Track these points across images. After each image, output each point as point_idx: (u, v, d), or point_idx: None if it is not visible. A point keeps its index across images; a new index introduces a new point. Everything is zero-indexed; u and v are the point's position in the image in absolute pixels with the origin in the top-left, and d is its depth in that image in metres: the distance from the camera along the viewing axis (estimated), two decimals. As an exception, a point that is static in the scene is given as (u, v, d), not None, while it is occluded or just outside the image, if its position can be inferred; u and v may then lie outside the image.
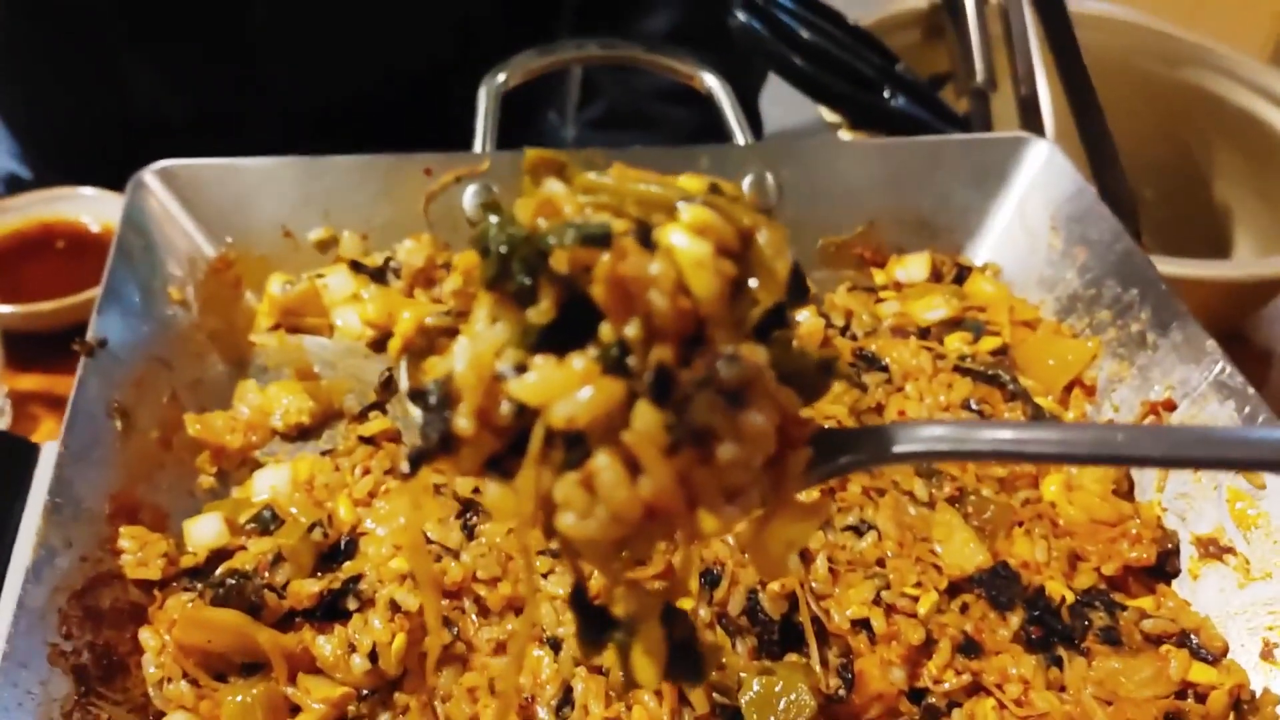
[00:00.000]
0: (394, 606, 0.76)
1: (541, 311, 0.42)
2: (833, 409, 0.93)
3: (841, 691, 0.73)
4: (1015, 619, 0.79)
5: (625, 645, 0.46)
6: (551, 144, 1.62)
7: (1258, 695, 0.76)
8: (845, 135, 1.30)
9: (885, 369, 1.00)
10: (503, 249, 0.43)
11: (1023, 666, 0.76)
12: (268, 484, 0.89)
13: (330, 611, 0.78)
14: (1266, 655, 0.78)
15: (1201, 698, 0.76)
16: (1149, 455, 0.49)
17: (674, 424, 0.40)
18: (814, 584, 0.79)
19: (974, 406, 0.96)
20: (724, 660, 0.74)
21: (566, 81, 1.72)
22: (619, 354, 0.41)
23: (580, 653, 0.73)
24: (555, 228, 0.43)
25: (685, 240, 0.41)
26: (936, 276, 1.13)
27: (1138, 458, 0.56)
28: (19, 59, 1.41)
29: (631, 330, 0.40)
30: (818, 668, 0.74)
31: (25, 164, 1.55)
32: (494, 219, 0.44)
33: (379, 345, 1.03)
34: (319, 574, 0.81)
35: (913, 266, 1.14)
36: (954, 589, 0.81)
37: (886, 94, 1.29)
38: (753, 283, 0.43)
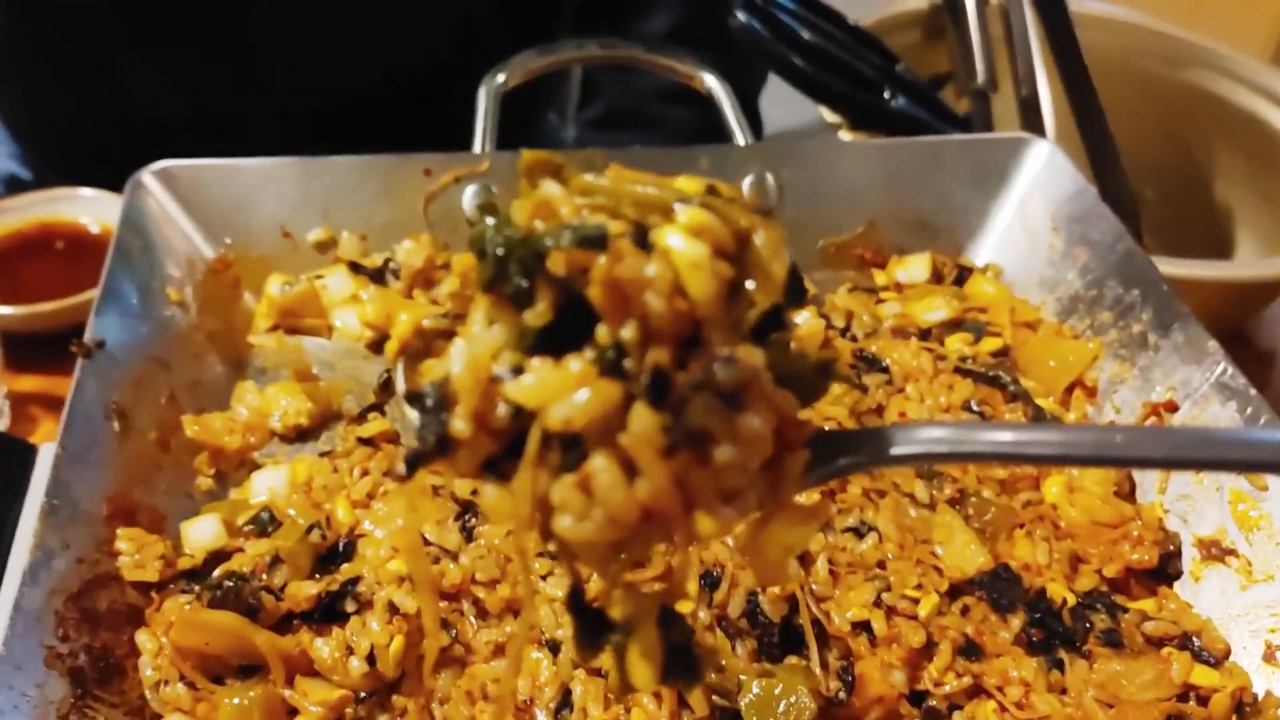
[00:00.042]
0: (392, 609, 0.76)
1: (538, 314, 0.42)
2: (833, 410, 0.93)
3: (842, 694, 0.73)
4: (1016, 621, 0.79)
5: (621, 647, 0.46)
6: (552, 144, 1.62)
7: (1260, 698, 0.76)
8: (845, 136, 1.30)
9: (886, 370, 1.00)
10: (499, 251, 0.43)
11: (1024, 669, 0.76)
12: (266, 485, 0.89)
13: (328, 614, 0.77)
14: (1269, 658, 0.77)
15: (1203, 700, 0.75)
16: (1150, 457, 0.49)
17: (671, 426, 0.40)
18: (814, 586, 0.79)
19: (975, 408, 0.96)
20: (724, 663, 0.74)
21: (567, 82, 1.72)
22: (616, 356, 0.41)
23: (577, 655, 0.73)
24: (552, 229, 0.42)
25: (682, 242, 0.41)
26: (937, 277, 1.13)
27: (1139, 459, 0.56)
28: (19, 59, 1.41)
29: (628, 332, 0.40)
30: (818, 670, 0.74)
31: (25, 165, 1.55)
32: (490, 221, 0.44)
33: (378, 346, 1.03)
34: (317, 576, 0.80)
35: (913, 267, 1.14)
36: (955, 591, 0.81)
37: (887, 94, 1.29)
38: (750, 284, 0.42)
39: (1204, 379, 0.89)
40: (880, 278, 1.15)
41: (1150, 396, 0.94)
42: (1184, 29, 1.46)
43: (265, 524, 0.84)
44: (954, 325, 1.06)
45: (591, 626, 0.47)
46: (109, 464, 0.83)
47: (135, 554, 0.79)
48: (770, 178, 1.11)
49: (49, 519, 0.75)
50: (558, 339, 0.42)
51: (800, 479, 0.45)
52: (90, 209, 1.22)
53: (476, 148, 1.09)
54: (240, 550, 0.82)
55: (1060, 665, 0.77)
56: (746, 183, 1.11)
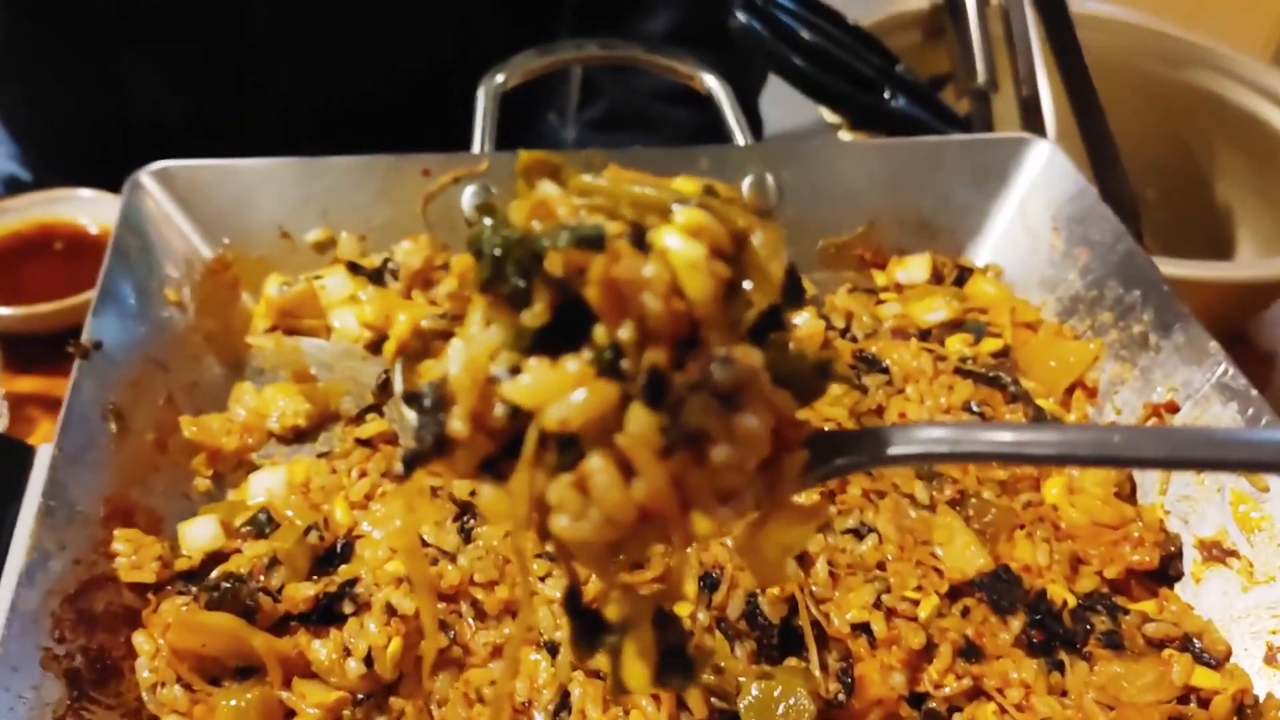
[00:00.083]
0: (390, 610, 0.76)
1: (535, 314, 0.42)
2: (833, 411, 0.93)
3: (841, 696, 0.73)
4: (1016, 623, 0.79)
5: (617, 648, 0.45)
6: (552, 145, 1.62)
7: (1261, 700, 0.75)
8: (845, 136, 1.30)
9: (886, 371, 1.00)
10: (496, 251, 0.43)
11: (1024, 671, 0.75)
12: (263, 486, 0.89)
13: (326, 615, 0.77)
14: (1270, 660, 0.77)
15: (1204, 703, 0.75)
16: (1149, 456, 0.48)
17: (668, 426, 0.39)
18: (814, 587, 0.79)
19: (975, 409, 0.96)
20: (722, 665, 0.74)
21: (567, 82, 1.72)
22: (613, 356, 0.40)
23: (574, 656, 0.72)
24: (549, 230, 0.42)
25: (679, 242, 0.41)
26: (937, 278, 1.13)
27: (1137, 459, 0.56)
28: (19, 59, 1.41)
29: (625, 333, 0.40)
30: (817, 672, 0.74)
31: (24, 166, 1.55)
32: (488, 221, 0.44)
33: (376, 347, 1.03)
34: (314, 577, 0.80)
35: (913, 268, 1.14)
36: (955, 592, 0.81)
37: (887, 95, 1.29)
38: (747, 285, 0.42)
39: (1205, 380, 0.89)
40: (880, 278, 1.15)
41: (1151, 397, 0.94)
42: (1184, 29, 1.46)
43: (263, 525, 0.83)
44: (954, 326, 1.06)
45: (588, 627, 0.47)
46: (106, 465, 0.82)
47: (132, 555, 0.78)
48: (770, 178, 1.11)
49: (46, 520, 0.75)
50: (555, 339, 0.42)
51: (798, 479, 0.45)
52: (89, 210, 1.22)
53: (475, 148, 1.09)
54: (238, 551, 0.81)
55: (1061, 667, 0.77)
56: (746, 183, 1.11)
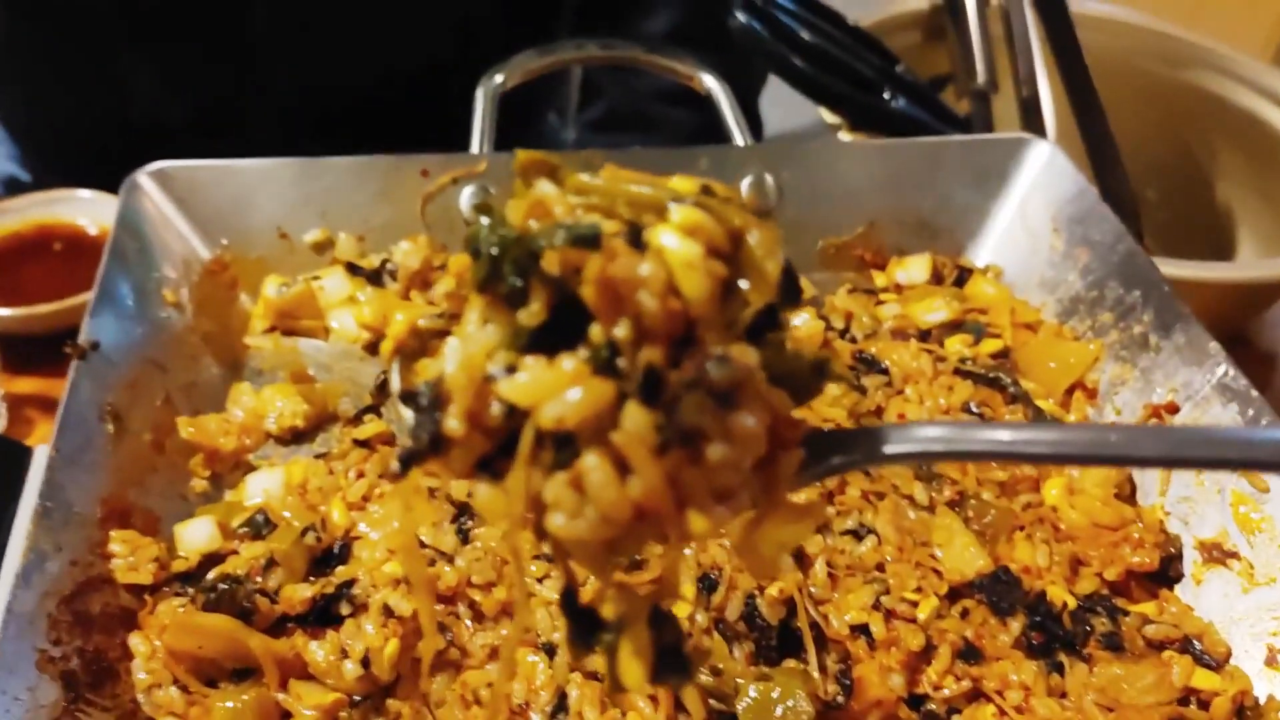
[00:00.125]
0: (387, 611, 0.75)
1: (532, 313, 0.42)
2: (832, 412, 0.93)
3: (840, 698, 0.72)
4: (1016, 624, 0.78)
5: (613, 647, 0.45)
6: (551, 145, 1.62)
7: (1261, 702, 0.75)
8: (845, 136, 1.29)
9: (885, 372, 0.99)
10: (493, 251, 0.43)
11: (1024, 673, 0.75)
12: (261, 487, 0.88)
13: (323, 617, 0.77)
14: (1270, 661, 0.77)
15: (1205, 704, 0.75)
16: (1147, 455, 0.48)
17: (663, 425, 0.39)
18: (812, 589, 0.78)
19: (974, 409, 0.96)
20: (721, 666, 0.74)
21: (567, 82, 1.72)
22: (609, 355, 0.40)
23: (570, 655, 0.72)
24: (546, 229, 0.42)
25: (675, 241, 0.41)
26: (937, 278, 1.13)
27: (1136, 458, 0.56)
28: (19, 59, 1.41)
29: (621, 331, 0.40)
30: (816, 674, 0.74)
31: (24, 166, 1.55)
32: (485, 221, 0.44)
33: (374, 348, 1.03)
34: (312, 579, 0.80)
35: (913, 268, 1.14)
36: (954, 594, 0.80)
37: (887, 95, 1.28)
38: (744, 283, 0.42)
39: (1205, 380, 0.89)
40: (880, 279, 1.15)
41: (1151, 398, 0.94)
42: (1184, 29, 1.46)
43: (260, 526, 0.83)
44: (954, 326, 1.06)
45: (584, 626, 0.47)
46: (103, 466, 0.82)
47: (129, 556, 0.78)
48: (770, 179, 1.11)
49: (42, 521, 0.74)
50: (551, 338, 0.42)
51: (794, 477, 0.45)
52: (88, 210, 1.22)
53: (474, 148, 1.09)
54: (235, 553, 0.81)
55: (1060, 669, 0.76)
56: (746, 184, 1.11)
